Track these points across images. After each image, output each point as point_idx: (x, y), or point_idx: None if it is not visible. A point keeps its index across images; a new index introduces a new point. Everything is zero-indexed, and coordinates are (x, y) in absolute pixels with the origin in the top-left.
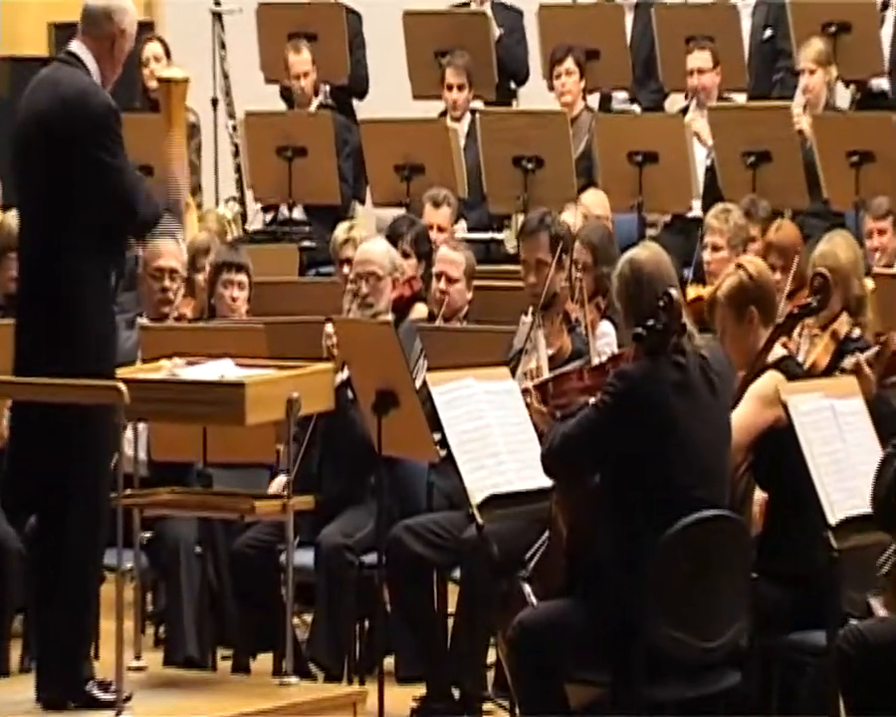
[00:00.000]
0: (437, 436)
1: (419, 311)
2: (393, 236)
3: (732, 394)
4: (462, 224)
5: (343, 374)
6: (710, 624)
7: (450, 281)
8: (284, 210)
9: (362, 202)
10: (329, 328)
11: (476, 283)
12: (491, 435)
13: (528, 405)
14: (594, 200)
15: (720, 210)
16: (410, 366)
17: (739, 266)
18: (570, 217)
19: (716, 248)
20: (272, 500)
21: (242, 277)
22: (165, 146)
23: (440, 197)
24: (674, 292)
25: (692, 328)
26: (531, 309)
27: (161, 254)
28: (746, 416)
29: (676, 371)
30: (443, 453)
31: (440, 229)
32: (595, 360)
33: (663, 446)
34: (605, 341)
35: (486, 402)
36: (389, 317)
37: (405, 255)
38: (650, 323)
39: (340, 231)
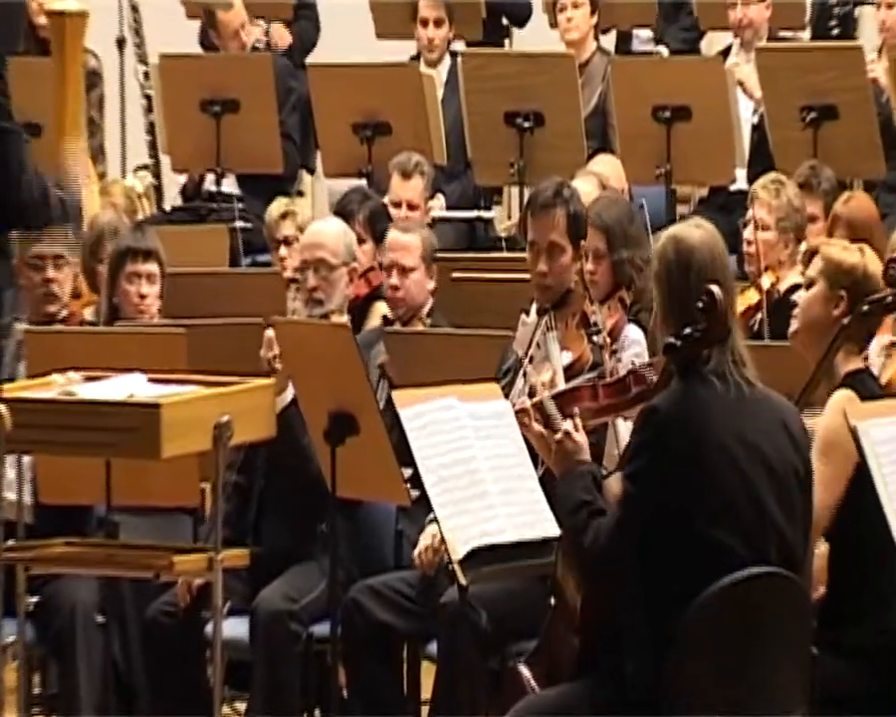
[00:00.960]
0: (408, 472)
1: (380, 312)
2: (342, 215)
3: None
4: (439, 200)
5: (289, 393)
6: (759, 709)
7: (404, 272)
8: (211, 182)
9: (311, 171)
10: (269, 333)
11: (457, 275)
12: (477, 471)
13: (523, 425)
14: (609, 169)
15: (770, 180)
16: (373, 382)
17: (861, 250)
18: (587, 186)
19: (762, 227)
20: (195, 554)
21: (151, 267)
22: (57, 105)
23: (411, 165)
24: (717, 290)
25: (742, 349)
26: (535, 306)
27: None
28: (826, 472)
29: (714, 396)
30: (415, 494)
31: (411, 206)
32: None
33: (702, 494)
34: (633, 351)
35: (471, 428)
36: (345, 318)
37: (359, 240)
38: (687, 331)
39: (276, 205)
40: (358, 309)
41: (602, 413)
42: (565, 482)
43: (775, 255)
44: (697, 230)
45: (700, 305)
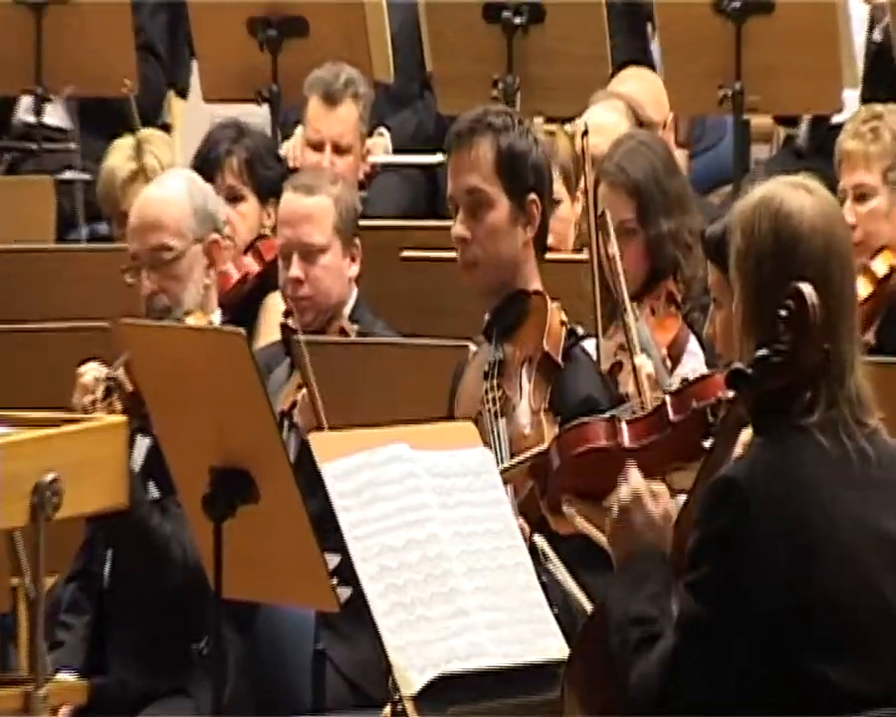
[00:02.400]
0: (334, 560)
1: (275, 308)
2: (208, 161)
3: None
4: (383, 138)
5: (143, 443)
6: None
7: (309, 256)
8: (27, 109)
9: (183, 94)
10: (87, 372)
11: (408, 253)
12: (442, 558)
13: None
14: (644, 90)
15: (861, 120)
16: (276, 418)
17: None
18: (610, 117)
19: (860, 195)
20: (5, 688)
21: None
22: None
23: (338, 85)
24: (809, 290)
25: (863, 385)
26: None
27: None
28: None
29: (824, 462)
30: (345, 594)
31: (339, 148)
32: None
33: (809, 614)
34: (688, 369)
35: (431, 492)
36: (215, 317)
37: (234, 197)
38: (762, 352)
39: (120, 154)
40: (240, 305)
41: (628, 455)
42: (625, 574)
43: (892, 228)
44: (808, 197)
45: (783, 312)
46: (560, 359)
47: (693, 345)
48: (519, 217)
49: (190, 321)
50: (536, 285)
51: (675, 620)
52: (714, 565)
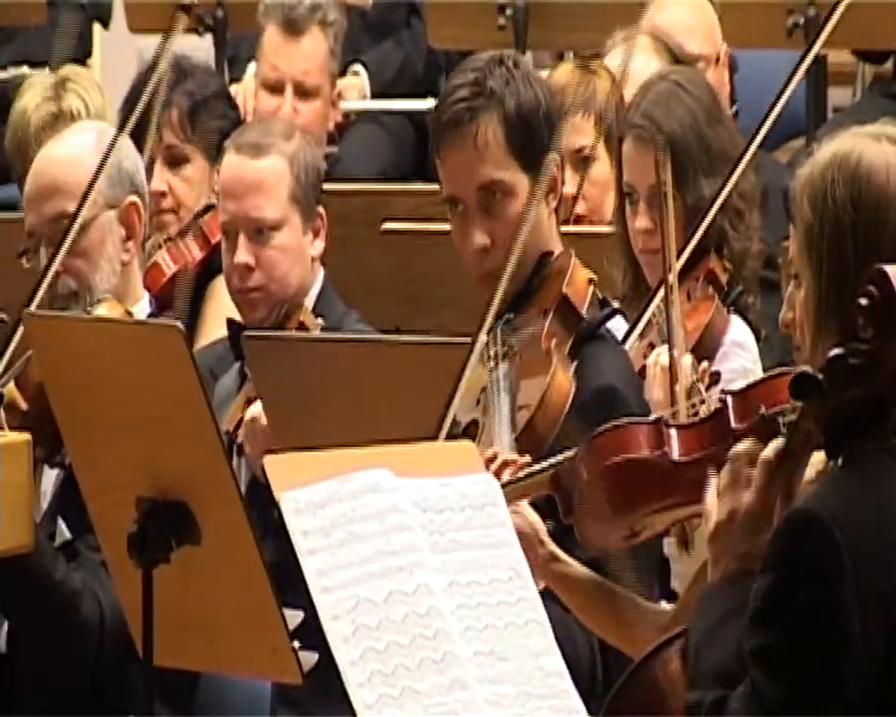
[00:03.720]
0: (296, 617)
1: (223, 296)
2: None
3: None
4: (359, 78)
5: (50, 475)
6: None
7: (258, 235)
8: None
9: (105, 23)
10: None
11: (390, 225)
12: (433, 615)
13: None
14: (688, 16)
15: None
16: (222, 437)
17: None
18: (643, 56)
19: None
20: None
21: None
22: None
23: (301, 9)
24: (892, 270)
25: None
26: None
27: None
28: None
29: None
30: (310, 661)
31: (303, 91)
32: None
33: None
34: (735, 366)
35: (420, 529)
36: (142, 308)
37: (175, 159)
38: (836, 351)
39: (35, 93)
40: (177, 300)
41: (675, 482)
42: (717, 602)
43: None
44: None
45: (863, 301)
46: (583, 311)
47: (739, 334)
48: (538, 192)
49: (101, 311)
50: (559, 247)
51: (746, 696)
52: (793, 620)
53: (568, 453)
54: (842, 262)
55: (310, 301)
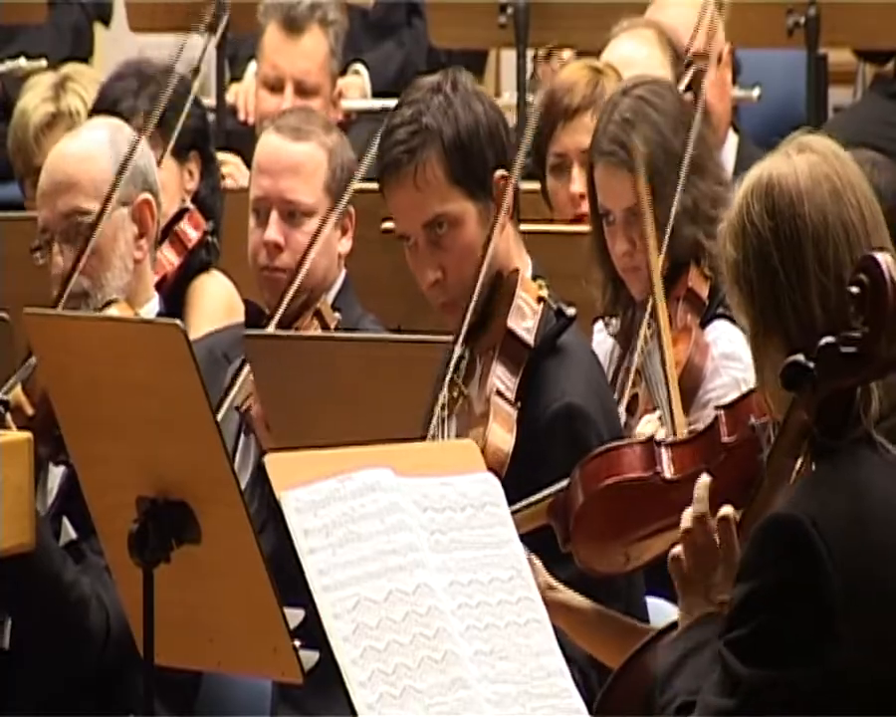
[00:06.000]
0: (297, 616)
1: (206, 291)
2: (115, 106)
3: None
4: (360, 77)
5: (56, 472)
6: None
7: (289, 218)
8: None
9: (106, 21)
10: None
11: (391, 224)
12: (434, 614)
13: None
14: (689, 15)
15: None
16: (223, 437)
17: None
18: (638, 51)
19: None
20: None
21: None
22: None
23: (301, 8)
24: (886, 259)
25: None
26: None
27: None
28: None
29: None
30: (311, 659)
31: (303, 89)
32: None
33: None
34: (725, 380)
35: (421, 529)
36: (151, 308)
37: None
38: (828, 340)
39: (36, 93)
40: (163, 298)
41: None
42: (683, 642)
43: None
44: (805, 157)
45: (854, 289)
46: (530, 339)
47: (726, 345)
48: (489, 211)
49: (112, 312)
50: (517, 262)
51: (718, 683)
52: (776, 618)
53: (562, 483)
54: (770, 272)
55: (330, 298)
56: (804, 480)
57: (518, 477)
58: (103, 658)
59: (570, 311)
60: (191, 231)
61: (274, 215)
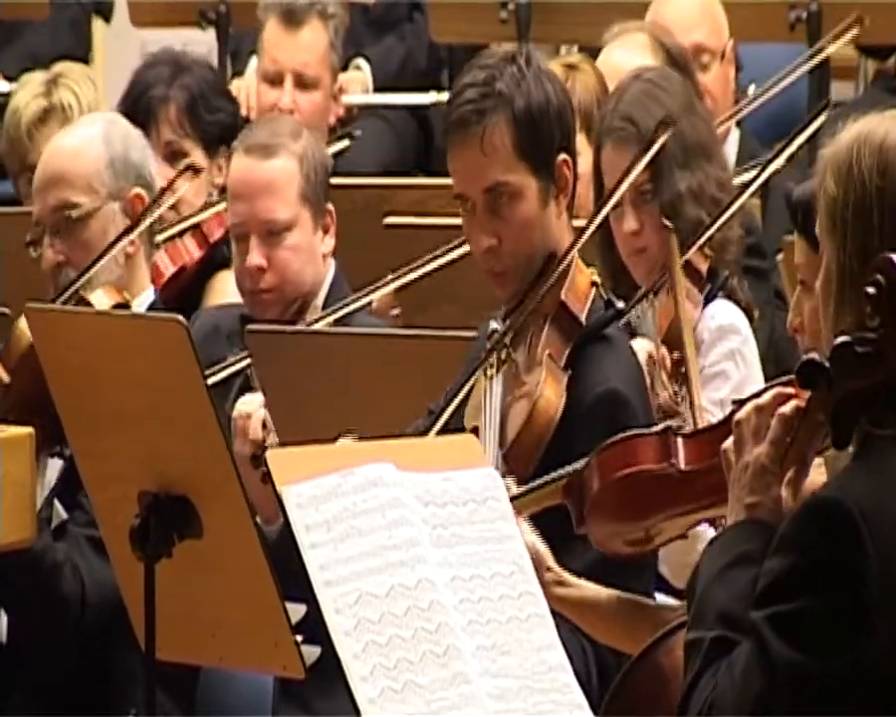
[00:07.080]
0: (298, 611)
1: (223, 289)
2: (137, 111)
3: None
4: (362, 72)
5: (53, 466)
6: None
7: (269, 237)
8: None
9: (107, 17)
10: None
11: (393, 219)
12: (435, 609)
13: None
14: (692, 10)
15: None
16: (225, 431)
17: None
18: (629, 56)
19: None
20: None
21: None
22: None
23: (301, 1)
24: None
25: None
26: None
27: None
28: None
29: None
30: (312, 655)
31: (303, 82)
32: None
33: None
34: (723, 350)
35: (422, 523)
36: (144, 300)
37: (174, 155)
38: (843, 339)
39: (28, 90)
40: (177, 300)
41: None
42: (731, 544)
43: None
44: None
45: (871, 290)
46: (582, 318)
47: (724, 317)
48: (550, 192)
49: (98, 294)
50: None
51: (753, 654)
52: (811, 600)
53: (579, 463)
54: (866, 227)
55: (321, 297)
56: (857, 465)
57: (551, 453)
58: (80, 626)
59: (620, 304)
60: (215, 226)
61: (254, 240)
